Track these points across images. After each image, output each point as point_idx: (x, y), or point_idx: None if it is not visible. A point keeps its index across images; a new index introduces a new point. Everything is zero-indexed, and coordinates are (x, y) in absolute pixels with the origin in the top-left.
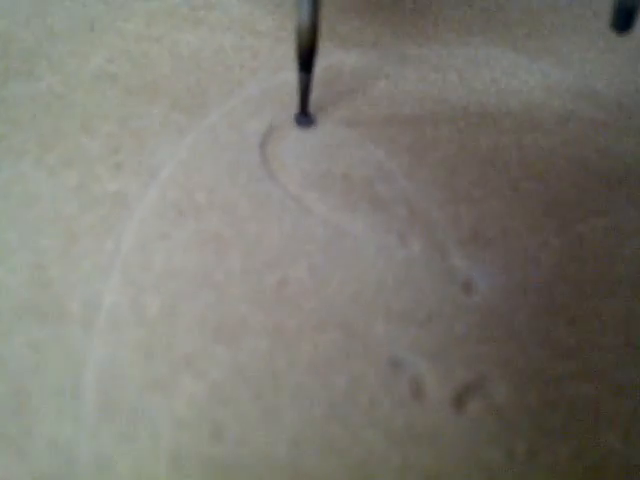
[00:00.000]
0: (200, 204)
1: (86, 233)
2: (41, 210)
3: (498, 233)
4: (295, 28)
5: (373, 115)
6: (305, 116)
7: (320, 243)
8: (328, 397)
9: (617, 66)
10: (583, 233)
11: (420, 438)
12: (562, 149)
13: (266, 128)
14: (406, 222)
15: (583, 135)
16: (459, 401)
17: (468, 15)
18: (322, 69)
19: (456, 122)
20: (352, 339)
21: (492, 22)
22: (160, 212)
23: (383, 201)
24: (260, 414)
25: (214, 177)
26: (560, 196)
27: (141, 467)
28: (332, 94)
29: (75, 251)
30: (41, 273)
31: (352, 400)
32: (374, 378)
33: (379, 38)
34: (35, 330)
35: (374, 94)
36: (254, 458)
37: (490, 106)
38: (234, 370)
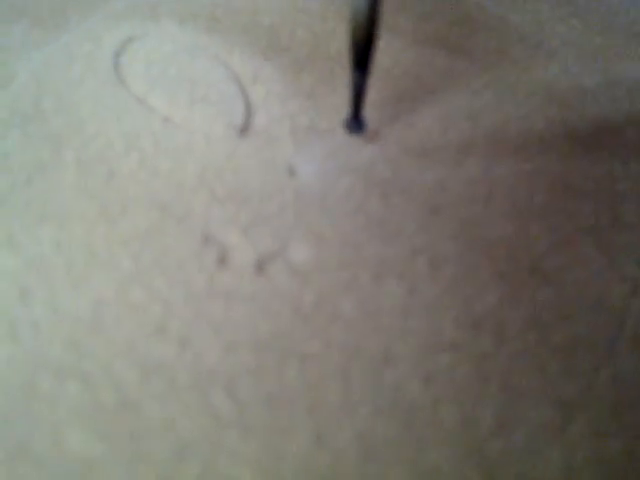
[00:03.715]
0: (45, 109)
1: None
2: None
3: (331, 125)
4: (349, 17)
5: (231, 23)
6: (356, 121)
7: (155, 138)
8: (135, 265)
9: None
10: (414, 121)
11: (218, 296)
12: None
13: (123, 40)
14: (243, 116)
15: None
16: (260, 265)
17: None
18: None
19: (311, 27)
20: (169, 218)
21: None
22: (4, 119)
23: (225, 98)
24: (69, 280)
25: (64, 85)
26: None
27: None
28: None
29: None
30: None
31: (158, 267)
32: (184, 250)
33: None
34: None
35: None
36: (59, 317)
37: None
38: (52, 246)
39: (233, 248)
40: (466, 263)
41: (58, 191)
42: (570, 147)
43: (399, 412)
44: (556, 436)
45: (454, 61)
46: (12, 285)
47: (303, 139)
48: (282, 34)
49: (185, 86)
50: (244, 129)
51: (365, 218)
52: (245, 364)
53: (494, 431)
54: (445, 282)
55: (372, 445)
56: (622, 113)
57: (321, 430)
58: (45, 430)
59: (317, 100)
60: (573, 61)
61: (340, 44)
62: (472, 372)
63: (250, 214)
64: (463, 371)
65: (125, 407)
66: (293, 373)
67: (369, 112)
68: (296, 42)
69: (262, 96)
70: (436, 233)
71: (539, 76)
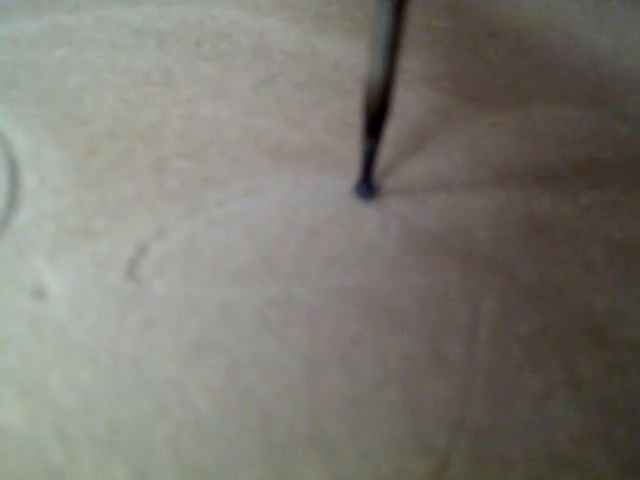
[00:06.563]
0: None
1: None
2: None
3: (108, 225)
4: (365, 81)
5: (31, 86)
6: (367, 185)
7: None
8: None
9: None
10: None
11: None
12: None
13: None
14: (1, 214)
15: None
16: None
17: None
18: None
19: (125, 92)
20: None
21: None
22: None
23: None
24: None
25: None
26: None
27: None
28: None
29: None
30: None
31: None
32: None
33: None
34: None
35: None
36: None
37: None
38: None
39: None
40: None
41: None
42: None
43: None
44: None
45: None
46: None
47: (66, 245)
48: (87, 100)
49: None
50: None
51: (113, 362)
52: None
53: None
54: None
55: None
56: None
57: None
58: None
59: (102, 192)
60: None
61: (155, 113)
62: None
63: None
64: None
65: None
66: None
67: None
68: (101, 111)
69: (34, 186)
70: (192, 385)
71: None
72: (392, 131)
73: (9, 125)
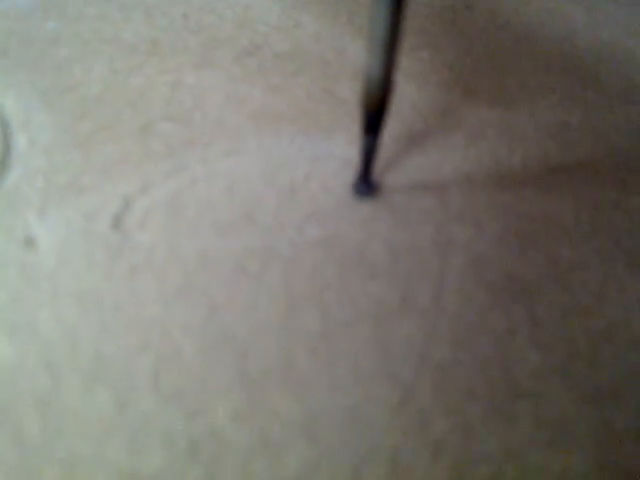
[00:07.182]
0: None
1: None
2: None
3: (95, 181)
4: (363, 80)
5: (22, 55)
6: (366, 184)
7: None
8: None
9: None
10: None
11: None
12: None
13: None
14: None
15: None
16: None
17: None
18: None
19: (113, 61)
20: None
21: None
22: None
23: None
24: None
25: None
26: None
27: None
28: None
29: None
30: None
31: None
32: None
33: None
34: None
35: None
36: None
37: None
38: None
39: None
40: None
41: None
42: None
43: None
44: None
45: None
46: None
47: (55, 200)
48: (76, 69)
49: None
50: None
51: (99, 303)
52: None
53: None
54: None
55: None
56: None
57: None
58: None
59: (90, 151)
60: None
61: (142, 81)
62: None
63: None
64: None
65: None
66: None
67: None
68: (89, 79)
69: (25, 147)
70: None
71: None
72: None
73: (0, 91)
